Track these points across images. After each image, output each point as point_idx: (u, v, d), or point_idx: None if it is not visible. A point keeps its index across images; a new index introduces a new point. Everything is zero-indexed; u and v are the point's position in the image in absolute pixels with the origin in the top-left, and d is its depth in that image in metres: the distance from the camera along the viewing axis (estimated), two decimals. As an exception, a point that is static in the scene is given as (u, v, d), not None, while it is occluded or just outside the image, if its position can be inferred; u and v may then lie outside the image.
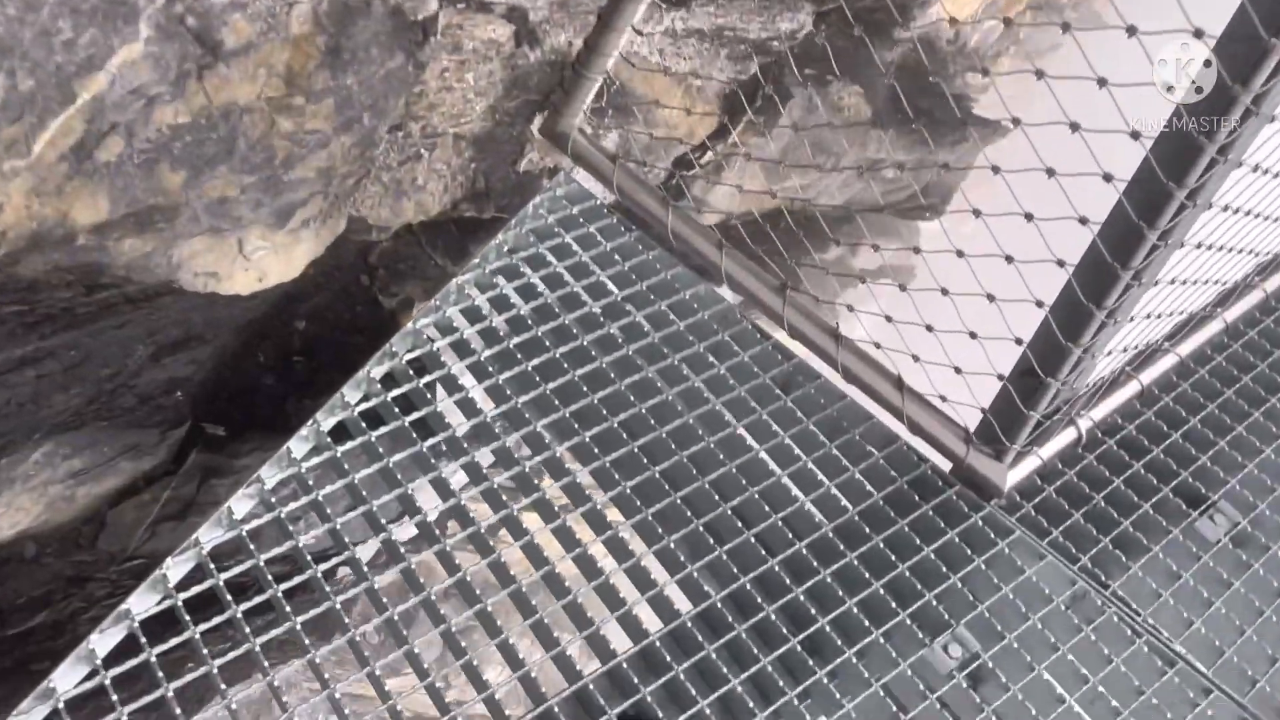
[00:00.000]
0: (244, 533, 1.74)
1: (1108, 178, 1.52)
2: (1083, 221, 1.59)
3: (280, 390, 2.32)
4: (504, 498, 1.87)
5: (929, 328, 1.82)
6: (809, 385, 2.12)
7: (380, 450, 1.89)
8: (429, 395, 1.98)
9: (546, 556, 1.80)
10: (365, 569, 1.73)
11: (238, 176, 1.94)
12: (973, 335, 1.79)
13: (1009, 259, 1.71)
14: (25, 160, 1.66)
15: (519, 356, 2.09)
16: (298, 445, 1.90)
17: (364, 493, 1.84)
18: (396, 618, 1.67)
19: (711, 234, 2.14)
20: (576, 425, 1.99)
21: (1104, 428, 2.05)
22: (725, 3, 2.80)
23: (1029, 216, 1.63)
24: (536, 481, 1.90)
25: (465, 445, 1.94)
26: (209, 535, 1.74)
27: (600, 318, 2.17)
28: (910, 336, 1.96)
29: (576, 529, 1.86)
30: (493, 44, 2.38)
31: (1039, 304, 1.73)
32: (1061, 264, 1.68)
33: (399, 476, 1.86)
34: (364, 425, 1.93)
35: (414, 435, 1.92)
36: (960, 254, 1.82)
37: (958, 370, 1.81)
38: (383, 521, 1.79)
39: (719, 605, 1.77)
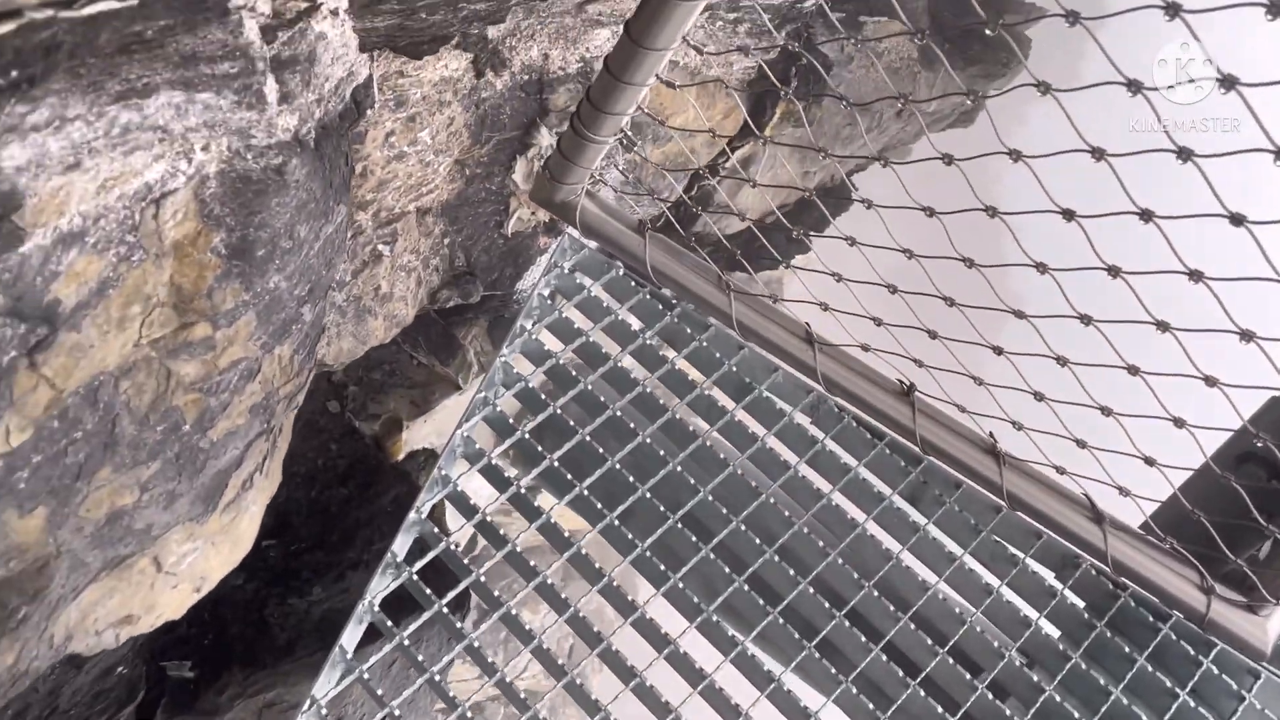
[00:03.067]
0: None
1: None
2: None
3: (254, 593, 1.79)
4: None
5: (1116, 417, 1.28)
6: (948, 498, 1.59)
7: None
8: (457, 620, 1.46)
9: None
10: None
11: (131, 473, 1.30)
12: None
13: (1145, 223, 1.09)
14: None
15: (567, 536, 1.56)
16: (296, 740, 1.39)
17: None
18: None
19: (797, 325, 1.57)
20: (665, 609, 1.48)
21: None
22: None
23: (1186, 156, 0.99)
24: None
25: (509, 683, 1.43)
26: None
27: (673, 452, 1.63)
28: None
29: None
30: (447, 83, 1.75)
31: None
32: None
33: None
34: (373, 687, 1.41)
35: (442, 686, 1.41)
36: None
37: (1178, 490, 1.28)
38: None
39: None
